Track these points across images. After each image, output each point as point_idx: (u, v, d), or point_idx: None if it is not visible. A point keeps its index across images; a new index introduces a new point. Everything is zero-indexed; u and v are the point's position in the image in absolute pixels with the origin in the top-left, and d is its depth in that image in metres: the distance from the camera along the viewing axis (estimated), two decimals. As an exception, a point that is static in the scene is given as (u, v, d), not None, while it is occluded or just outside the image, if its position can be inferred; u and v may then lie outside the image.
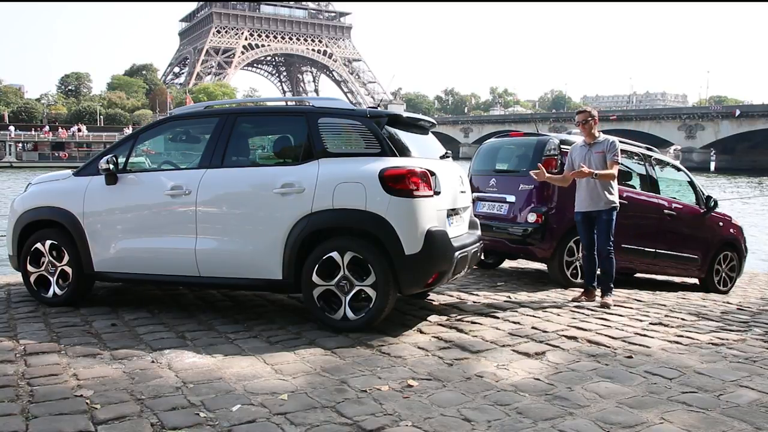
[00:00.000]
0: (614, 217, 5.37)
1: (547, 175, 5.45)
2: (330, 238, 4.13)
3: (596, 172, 5.26)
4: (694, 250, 7.36)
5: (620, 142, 7.31)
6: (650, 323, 4.71)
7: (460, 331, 4.25)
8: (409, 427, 2.69)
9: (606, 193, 5.36)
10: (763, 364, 3.67)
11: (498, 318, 4.66)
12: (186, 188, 4.45)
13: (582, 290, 5.67)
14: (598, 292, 5.51)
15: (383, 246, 4.02)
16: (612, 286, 5.44)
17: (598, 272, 5.49)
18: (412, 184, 4.04)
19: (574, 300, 5.50)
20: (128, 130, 58.17)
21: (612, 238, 5.37)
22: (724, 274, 7.74)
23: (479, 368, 3.48)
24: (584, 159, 5.45)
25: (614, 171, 5.39)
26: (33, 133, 57.20)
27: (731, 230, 7.85)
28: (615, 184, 5.44)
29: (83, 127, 59.51)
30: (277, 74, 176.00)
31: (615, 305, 5.37)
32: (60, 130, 58.27)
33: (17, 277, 5.64)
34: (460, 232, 4.62)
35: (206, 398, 2.97)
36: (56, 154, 51.63)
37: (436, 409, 2.89)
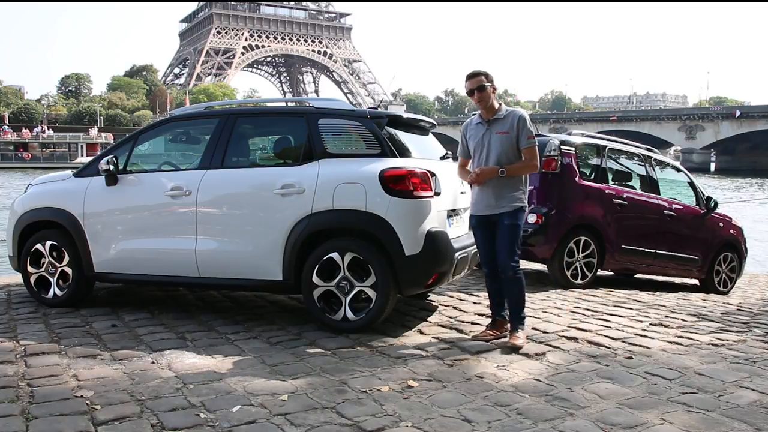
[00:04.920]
0: (520, 222, 3.99)
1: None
2: (330, 239, 4.13)
3: (505, 168, 3.92)
4: (694, 251, 7.36)
5: (609, 140, 7.31)
6: (650, 324, 4.71)
7: (461, 331, 4.25)
8: (409, 428, 2.69)
9: (512, 190, 3.98)
10: (763, 365, 3.67)
11: (498, 319, 4.65)
12: (186, 189, 4.45)
13: (488, 325, 4.27)
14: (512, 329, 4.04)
15: (383, 247, 4.02)
16: (524, 316, 4.04)
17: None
18: (412, 185, 4.04)
19: (476, 338, 4.08)
20: (93, 131, 58.27)
21: (518, 251, 4.00)
22: (724, 275, 7.73)
23: (479, 369, 3.48)
24: (481, 142, 4.04)
25: (535, 162, 4.00)
26: (-4, 133, 56.99)
27: (731, 231, 7.85)
28: (526, 178, 4.10)
29: (47, 128, 59.33)
30: (277, 75, 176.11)
31: (614, 306, 5.36)
32: (24, 130, 58.13)
33: (17, 278, 5.64)
34: (461, 233, 4.62)
35: (206, 399, 2.97)
36: (19, 155, 51.36)
37: (436, 409, 2.89)
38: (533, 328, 4.37)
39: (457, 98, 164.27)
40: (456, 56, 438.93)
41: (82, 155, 50.71)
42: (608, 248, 6.47)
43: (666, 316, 5.07)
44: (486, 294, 5.62)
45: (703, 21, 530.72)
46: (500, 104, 4.06)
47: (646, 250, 6.85)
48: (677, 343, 4.13)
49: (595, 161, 6.83)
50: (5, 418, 2.73)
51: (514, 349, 3.84)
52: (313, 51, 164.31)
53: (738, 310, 5.79)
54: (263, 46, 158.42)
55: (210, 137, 4.62)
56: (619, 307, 5.35)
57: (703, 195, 7.62)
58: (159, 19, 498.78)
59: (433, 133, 5.13)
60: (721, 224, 7.73)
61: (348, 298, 4.10)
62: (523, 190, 4.03)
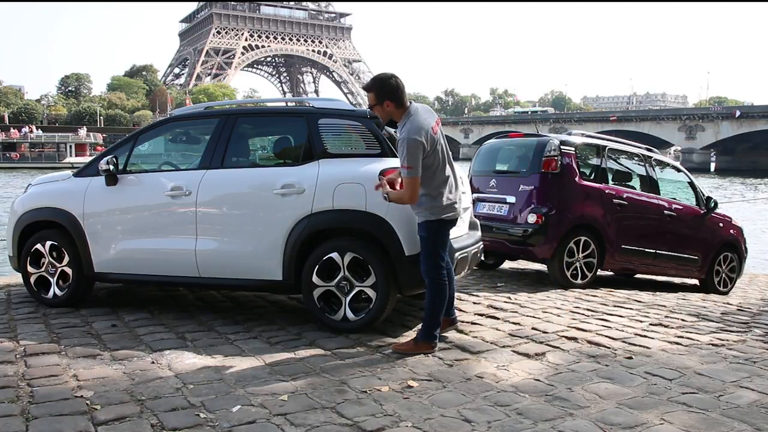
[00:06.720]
0: (426, 234, 3.68)
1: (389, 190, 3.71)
2: (330, 239, 4.13)
3: (388, 192, 3.65)
4: (694, 251, 7.36)
5: (609, 140, 7.41)
6: (650, 324, 4.70)
7: (460, 331, 4.25)
8: (409, 428, 2.69)
9: (417, 204, 3.67)
10: (763, 365, 3.67)
11: (498, 319, 4.66)
12: (186, 189, 4.45)
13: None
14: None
15: (383, 247, 4.02)
16: (436, 334, 3.77)
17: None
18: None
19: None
20: (82, 131, 58.40)
21: (432, 260, 3.69)
22: (724, 275, 7.73)
23: (479, 369, 3.48)
24: None
25: (410, 194, 3.54)
26: (-15, 133, 56.78)
27: (731, 231, 7.85)
28: (440, 189, 3.63)
29: (35, 128, 59.66)
30: (277, 75, 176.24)
31: (614, 306, 5.36)
32: (12, 130, 58.13)
33: (17, 278, 5.64)
34: (460, 233, 4.61)
35: (206, 399, 2.98)
36: (7, 155, 51.26)
37: (436, 409, 2.89)
38: (533, 328, 4.38)
39: (457, 98, 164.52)
40: (456, 56, 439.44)
41: (70, 155, 50.74)
42: (608, 248, 6.47)
43: (666, 316, 5.07)
44: (486, 294, 5.65)
45: (703, 21, 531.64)
46: (410, 103, 3.62)
47: (646, 250, 6.85)
48: (677, 343, 4.13)
49: (595, 161, 6.83)
50: (5, 418, 2.73)
51: (401, 351, 3.72)
52: (313, 51, 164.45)
53: (738, 310, 5.79)
54: (263, 46, 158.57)
55: (210, 137, 4.62)
56: (619, 307, 5.35)
57: (703, 195, 7.62)
58: (159, 19, 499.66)
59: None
60: (721, 224, 7.73)
61: (348, 298, 4.10)
62: (426, 205, 3.64)
